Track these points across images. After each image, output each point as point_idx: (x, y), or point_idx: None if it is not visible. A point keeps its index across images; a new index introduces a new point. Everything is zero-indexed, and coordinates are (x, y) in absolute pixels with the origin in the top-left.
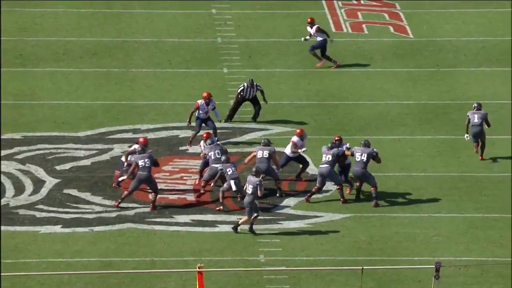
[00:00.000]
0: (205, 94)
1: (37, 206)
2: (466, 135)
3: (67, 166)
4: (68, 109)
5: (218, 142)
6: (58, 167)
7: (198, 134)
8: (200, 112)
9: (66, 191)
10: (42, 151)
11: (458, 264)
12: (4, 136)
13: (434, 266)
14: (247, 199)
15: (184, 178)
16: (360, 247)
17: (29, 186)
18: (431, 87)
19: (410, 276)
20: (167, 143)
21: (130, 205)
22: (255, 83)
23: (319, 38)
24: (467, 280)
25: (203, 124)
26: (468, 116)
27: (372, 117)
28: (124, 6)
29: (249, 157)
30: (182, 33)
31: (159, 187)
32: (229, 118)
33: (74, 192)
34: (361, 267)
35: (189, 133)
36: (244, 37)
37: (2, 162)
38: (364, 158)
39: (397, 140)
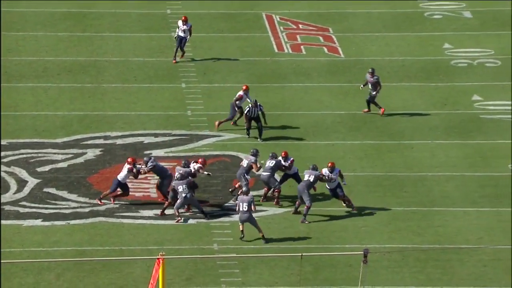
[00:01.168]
0: (244, 87)
1: (20, 203)
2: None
3: (46, 168)
4: (47, 119)
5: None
6: (39, 169)
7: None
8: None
9: (46, 189)
10: (25, 155)
11: (383, 250)
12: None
13: (362, 252)
14: (243, 217)
15: (148, 178)
16: (299, 237)
17: (13, 185)
18: (360, 99)
19: (342, 261)
20: (134, 147)
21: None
22: (258, 103)
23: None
24: (390, 264)
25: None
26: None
27: (309, 125)
28: (96, 29)
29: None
30: (146, 53)
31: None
32: (247, 135)
33: (53, 190)
34: (300, 254)
35: (151, 140)
36: (199, 57)
37: None
38: (311, 179)
39: (331, 145)
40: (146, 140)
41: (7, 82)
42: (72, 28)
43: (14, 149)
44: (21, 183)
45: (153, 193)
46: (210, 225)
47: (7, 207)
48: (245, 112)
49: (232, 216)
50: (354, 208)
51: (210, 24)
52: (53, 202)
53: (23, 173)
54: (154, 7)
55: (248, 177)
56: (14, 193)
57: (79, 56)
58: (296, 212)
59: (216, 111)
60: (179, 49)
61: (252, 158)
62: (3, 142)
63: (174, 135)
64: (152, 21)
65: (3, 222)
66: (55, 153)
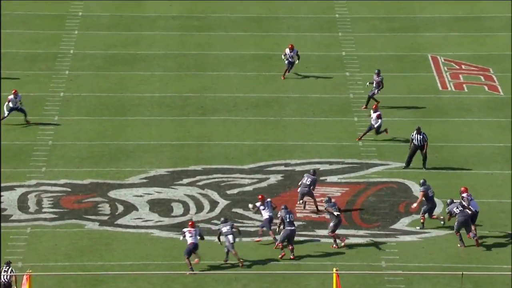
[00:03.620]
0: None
1: (212, 221)
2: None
3: (235, 191)
4: (236, 147)
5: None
6: (228, 192)
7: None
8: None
9: (234, 210)
10: (217, 179)
11: None
12: (189, 168)
13: None
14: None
15: (323, 201)
16: (460, 256)
17: (206, 205)
18: None
19: (501, 281)
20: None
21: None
22: (421, 131)
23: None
24: None
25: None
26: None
27: (470, 156)
28: (279, 69)
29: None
30: (322, 91)
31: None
32: (407, 164)
33: (240, 210)
34: (461, 272)
35: (326, 167)
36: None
37: (187, 187)
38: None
39: (490, 174)
40: (322, 167)
41: (203, 115)
42: (259, 68)
43: (208, 173)
44: (213, 203)
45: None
46: (378, 245)
47: (201, 224)
48: (411, 140)
49: (397, 237)
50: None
51: (379, 65)
52: (240, 221)
53: (215, 195)
54: (331, 50)
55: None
56: (207, 212)
57: (264, 93)
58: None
59: (385, 142)
60: (288, 71)
61: (422, 188)
62: (199, 168)
63: (347, 163)
64: (328, 62)
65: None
66: (242, 178)
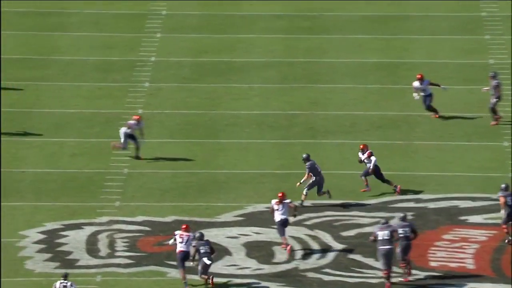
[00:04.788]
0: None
1: (323, 270)
2: None
3: (352, 232)
4: (354, 178)
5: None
6: (343, 233)
7: None
8: None
9: (351, 256)
10: (329, 218)
11: None
12: (295, 203)
13: None
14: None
15: (464, 247)
16: None
17: (317, 250)
18: None
19: None
20: (448, 212)
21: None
22: None
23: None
24: None
25: None
26: None
27: None
28: (409, 81)
29: None
30: (464, 108)
31: (439, 255)
32: None
33: (358, 257)
34: None
35: (468, 204)
36: None
37: (293, 228)
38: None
39: None
40: (462, 204)
41: (312, 138)
42: (383, 79)
43: (319, 210)
44: (325, 248)
45: (469, 265)
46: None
47: (310, 274)
48: None
49: None
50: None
51: None
52: (359, 270)
53: (327, 237)
54: (475, 56)
55: None
56: (318, 259)
57: (389, 111)
58: None
59: None
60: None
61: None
62: (307, 203)
63: (494, 199)
64: (472, 72)
65: None
66: (361, 216)
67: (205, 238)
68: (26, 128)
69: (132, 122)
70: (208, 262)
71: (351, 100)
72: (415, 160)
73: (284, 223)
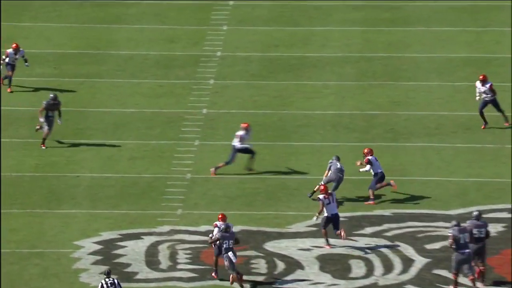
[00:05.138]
0: None
1: (405, 286)
2: None
3: (437, 245)
4: (439, 185)
5: None
6: (428, 246)
7: None
8: None
9: (436, 271)
10: (412, 229)
11: None
12: (374, 213)
13: None
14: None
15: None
16: None
17: (398, 264)
18: None
19: None
20: None
21: None
22: None
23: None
24: None
25: None
26: None
27: None
28: (500, 78)
29: None
30: None
31: None
32: None
33: (444, 273)
34: None
35: None
36: None
37: (372, 239)
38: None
39: None
40: None
41: (394, 141)
42: (472, 76)
43: (400, 221)
44: (407, 262)
45: None
46: None
47: None
48: None
49: None
50: None
51: None
52: (444, 286)
53: (409, 250)
54: None
55: None
56: (399, 274)
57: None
58: None
59: None
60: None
61: None
62: (387, 213)
63: None
64: None
65: None
66: (447, 227)
67: (231, 230)
68: (82, 129)
69: (241, 133)
70: (233, 259)
71: (436, 99)
72: (508, 166)
73: (334, 220)
